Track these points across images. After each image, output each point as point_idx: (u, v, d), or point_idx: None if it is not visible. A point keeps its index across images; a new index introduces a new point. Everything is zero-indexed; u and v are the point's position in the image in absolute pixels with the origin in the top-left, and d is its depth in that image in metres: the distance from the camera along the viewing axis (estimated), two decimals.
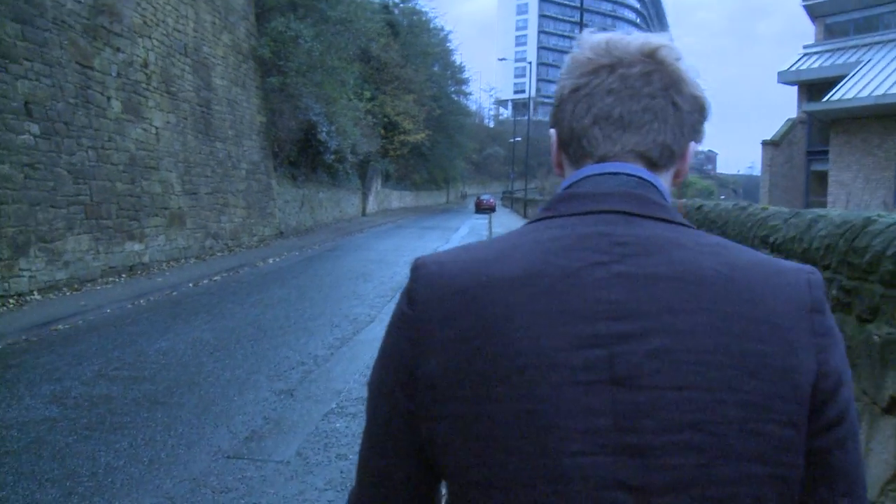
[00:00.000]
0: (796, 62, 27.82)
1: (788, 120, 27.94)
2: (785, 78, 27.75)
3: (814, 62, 27.12)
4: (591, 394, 0.86)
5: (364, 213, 43.49)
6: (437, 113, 59.82)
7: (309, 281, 15.05)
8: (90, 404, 6.44)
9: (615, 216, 0.96)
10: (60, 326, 9.96)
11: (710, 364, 0.86)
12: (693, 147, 1.08)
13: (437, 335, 0.93)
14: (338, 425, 6.02)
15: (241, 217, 21.43)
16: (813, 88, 27.29)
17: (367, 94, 40.95)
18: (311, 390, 7.05)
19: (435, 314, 0.94)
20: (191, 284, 14.05)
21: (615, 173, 1.02)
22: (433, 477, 1.01)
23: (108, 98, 14.45)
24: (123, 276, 14.29)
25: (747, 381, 0.86)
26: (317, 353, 8.62)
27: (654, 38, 1.05)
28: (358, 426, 5.93)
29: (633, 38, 1.06)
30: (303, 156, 28.21)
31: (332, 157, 29.11)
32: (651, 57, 1.03)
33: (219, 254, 19.09)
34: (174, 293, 13.08)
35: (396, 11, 59.79)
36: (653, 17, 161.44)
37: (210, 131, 19.50)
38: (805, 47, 28.55)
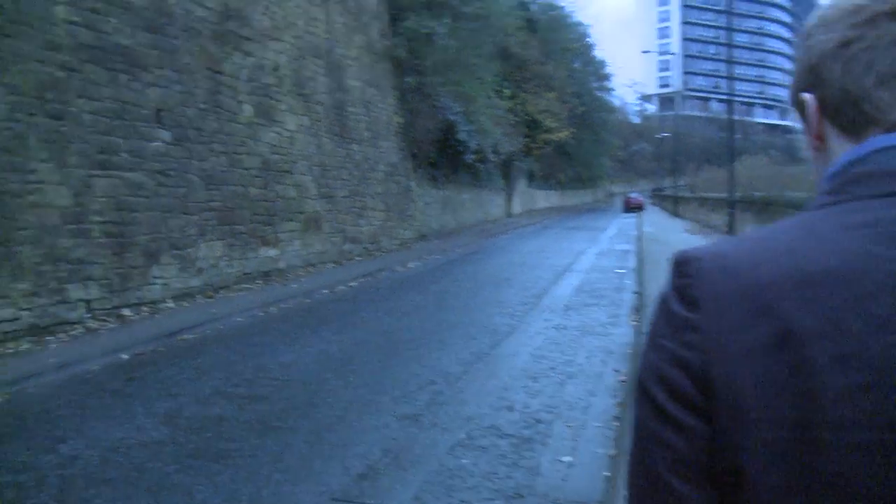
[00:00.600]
0: None
1: None
2: None
3: None
4: None
5: (509, 214, 42.75)
6: (579, 110, 58.41)
7: (447, 286, 14.34)
8: (200, 426, 5.88)
9: None
10: (188, 336, 9.62)
11: None
12: None
13: (737, 343, 0.78)
14: (464, 461, 5.10)
15: (380, 220, 21.06)
16: None
17: (508, 92, 40.22)
18: (439, 416, 6.14)
19: (730, 317, 0.79)
20: (325, 291, 13.60)
21: None
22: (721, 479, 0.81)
23: (239, 102, 14.26)
24: (258, 282, 14.03)
25: None
26: (449, 370, 7.69)
27: None
28: (486, 463, 5.05)
29: None
30: (442, 156, 27.70)
31: (473, 157, 28.49)
32: None
33: (357, 258, 18.73)
34: (307, 300, 12.64)
35: (534, 7, 58.86)
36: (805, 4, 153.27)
37: (345, 133, 19.20)
38: None
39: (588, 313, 10.89)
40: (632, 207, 57.72)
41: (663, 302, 0.87)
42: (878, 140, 0.84)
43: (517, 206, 45.90)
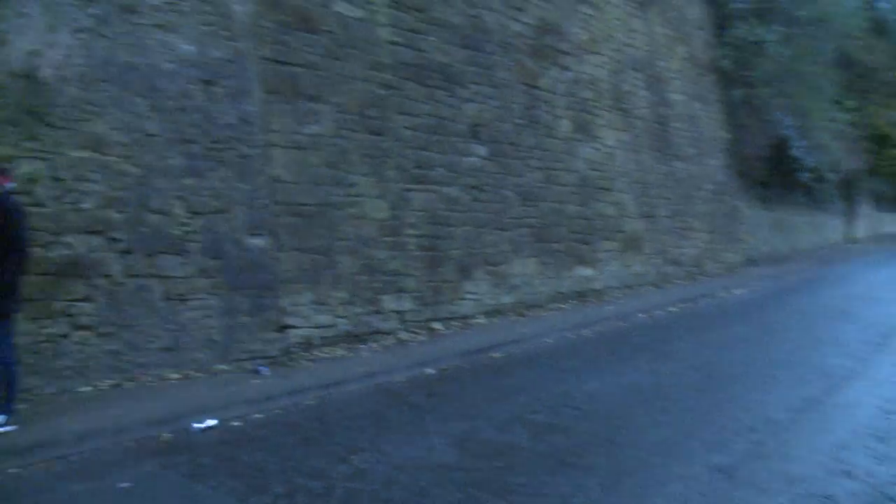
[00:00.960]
0: None
1: None
2: None
3: None
4: None
5: (849, 239, 38.76)
6: None
7: (775, 318, 12.78)
8: (492, 453, 5.41)
9: None
10: (496, 354, 9.26)
11: None
12: None
13: None
14: None
15: (705, 242, 19.68)
16: None
17: (850, 104, 36.62)
18: (757, 471, 5.07)
19: None
20: (642, 315, 12.71)
21: None
22: None
23: (556, 118, 13.87)
24: (572, 302, 13.45)
25: None
26: (774, 416, 6.46)
27: None
28: None
29: None
30: (774, 175, 25.53)
31: (809, 175, 25.98)
32: None
33: (677, 282, 17.56)
34: (622, 324, 11.83)
35: (884, 5, 53.44)
36: None
37: (667, 149, 18.17)
38: None
39: None
40: None
41: None
42: None
43: (860, 231, 41.52)
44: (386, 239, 9.94)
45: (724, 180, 21.52)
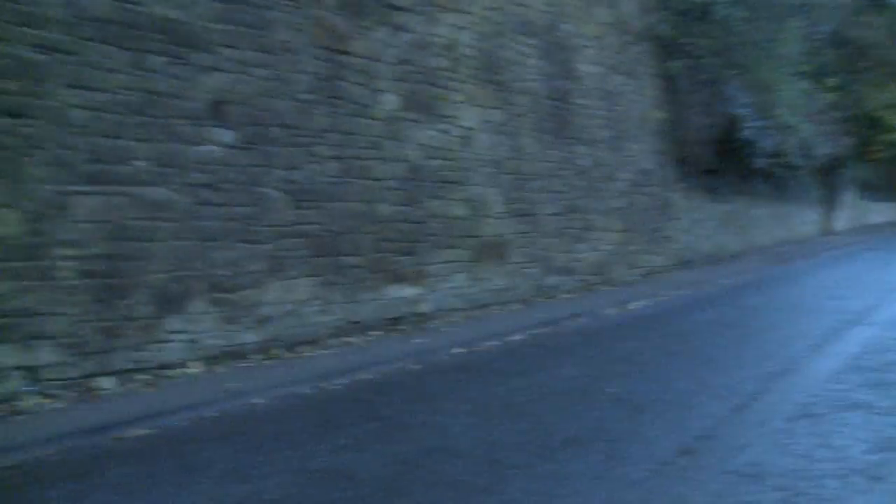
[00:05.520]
0: None
1: None
2: None
3: None
4: None
5: (827, 231, 35.45)
6: None
7: (644, 348, 9.78)
8: None
9: None
10: (138, 431, 6.22)
11: None
12: None
13: None
14: None
15: (615, 243, 16.53)
16: None
17: (832, 82, 33.15)
18: None
19: None
20: (457, 350, 9.68)
21: None
22: None
23: (376, 91, 10.74)
24: (375, 332, 10.40)
25: None
26: None
27: None
28: None
29: None
30: (725, 161, 22.23)
31: (767, 161, 22.70)
32: None
33: (566, 294, 14.47)
34: (412, 367, 8.83)
35: None
36: None
37: (565, 132, 14.97)
38: None
39: (837, 433, 5.94)
40: None
41: None
42: None
43: (840, 222, 38.13)
44: (13, 264, 6.89)
45: (652, 168, 18.32)
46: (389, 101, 10.95)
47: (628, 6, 17.72)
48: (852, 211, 41.21)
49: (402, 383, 8.14)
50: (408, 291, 11.06)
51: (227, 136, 8.76)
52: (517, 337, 10.67)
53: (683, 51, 19.09)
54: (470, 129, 12.45)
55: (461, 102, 12.32)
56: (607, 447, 5.66)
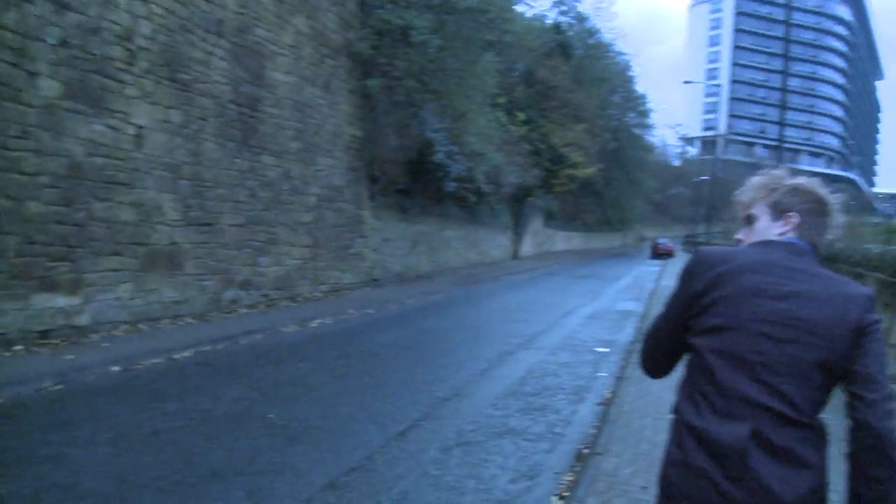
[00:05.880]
0: None
1: None
2: None
3: None
4: (763, 300, 2.08)
5: (516, 256, 37.55)
6: (612, 146, 53.35)
7: (336, 365, 9.57)
8: None
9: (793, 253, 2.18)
10: None
11: (817, 302, 2.08)
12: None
13: (709, 273, 2.17)
14: None
15: (303, 258, 16.09)
16: None
17: (522, 116, 35.27)
18: None
19: (708, 263, 2.20)
20: (119, 368, 8.68)
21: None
22: (685, 334, 2.23)
23: (33, 75, 9.44)
24: (18, 347, 9.08)
25: (830, 311, 2.06)
26: None
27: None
28: None
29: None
30: (416, 182, 22.63)
31: (456, 185, 23.39)
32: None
33: (245, 310, 13.76)
34: (59, 387, 7.70)
35: (570, 33, 53.96)
36: (861, 42, 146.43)
37: (253, 141, 14.31)
38: None
39: (488, 462, 5.82)
40: (660, 254, 52.62)
41: (685, 266, 2.29)
42: (792, 238, 2.26)
43: (529, 247, 40.69)
44: None
45: (344, 185, 18.12)
46: (48, 87, 9.66)
47: (328, 19, 17.44)
48: (539, 237, 44.07)
49: (37, 407, 7.05)
50: (61, 301, 9.78)
51: None
52: (185, 354, 9.84)
53: (382, 70, 19.12)
54: (143, 127, 11.40)
55: (135, 98, 11.25)
56: (251, 482, 5.12)
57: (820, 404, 2.07)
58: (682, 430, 2.14)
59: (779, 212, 2.30)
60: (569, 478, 5.55)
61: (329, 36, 17.49)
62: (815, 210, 2.28)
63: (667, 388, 8.51)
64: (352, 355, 10.44)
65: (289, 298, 15.36)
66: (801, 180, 2.32)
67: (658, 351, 2.41)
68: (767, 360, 2.03)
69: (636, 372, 9.35)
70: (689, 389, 2.20)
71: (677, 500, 2.09)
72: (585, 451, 6.20)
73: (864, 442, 1.97)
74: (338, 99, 17.89)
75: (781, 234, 2.28)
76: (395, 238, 21.68)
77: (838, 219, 2.32)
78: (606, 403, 7.91)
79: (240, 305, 13.67)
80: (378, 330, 12.84)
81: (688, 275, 2.24)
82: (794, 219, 2.27)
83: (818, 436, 2.06)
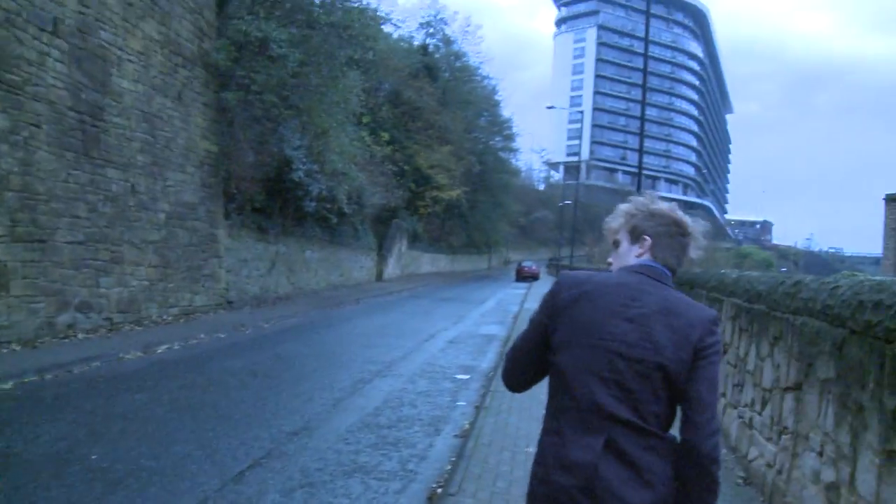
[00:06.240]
0: None
1: None
2: None
3: None
4: (617, 321, 2.21)
5: (380, 278, 36.99)
6: (477, 168, 53.70)
7: (178, 396, 8.70)
8: None
9: (647, 277, 2.33)
10: None
11: (664, 324, 2.20)
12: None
13: (564, 299, 2.31)
14: None
15: (150, 279, 15.02)
16: None
17: (386, 136, 34.87)
18: None
19: (566, 291, 2.32)
20: None
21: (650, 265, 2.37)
22: (545, 351, 2.35)
23: None
24: None
25: (675, 334, 2.18)
26: None
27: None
28: None
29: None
30: (274, 201, 21.77)
31: (315, 204, 22.66)
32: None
33: (84, 335, 12.62)
34: None
35: (437, 55, 54.20)
36: (712, 78, 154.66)
37: (96, 151, 13.23)
38: None
39: None
40: (525, 276, 53.33)
41: (548, 293, 2.39)
42: (647, 261, 2.38)
43: (393, 269, 40.20)
44: None
45: (197, 202, 17.13)
46: None
47: (182, 26, 16.48)
48: (404, 259, 43.66)
49: None
50: None
51: None
52: (3, 387, 8.76)
53: (239, 83, 18.28)
54: None
55: None
56: None
57: (669, 418, 2.24)
58: (543, 445, 2.28)
59: (635, 236, 2.44)
60: None
61: (182, 44, 16.54)
62: (671, 232, 2.42)
63: (525, 420, 8.22)
64: (196, 385, 9.60)
65: (134, 322, 14.26)
66: (658, 205, 2.46)
67: (519, 367, 2.49)
68: (620, 378, 2.17)
69: (496, 401, 8.98)
70: (551, 406, 2.33)
71: None
72: (440, 489, 5.68)
73: (689, 459, 2.18)
74: (191, 111, 16.92)
75: (639, 255, 2.42)
76: (253, 259, 20.73)
77: (698, 241, 2.46)
78: (464, 436, 7.45)
79: (77, 330, 12.52)
80: (228, 356, 12.00)
81: (550, 296, 2.37)
82: (647, 242, 2.41)
83: (668, 448, 2.19)
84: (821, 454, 4.29)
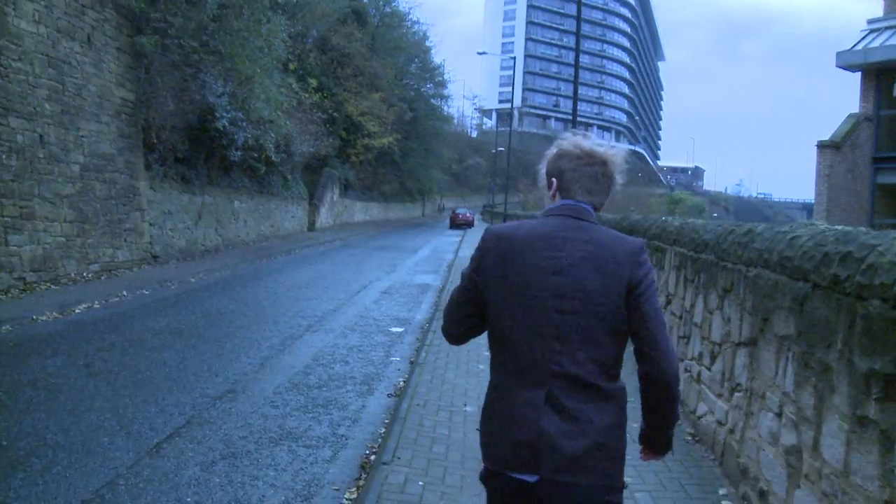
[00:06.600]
0: (860, 41, 20.86)
1: (851, 116, 20.80)
2: (846, 61, 20.77)
3: (887, 39, 20.17)
4: (546, 275, 2.19)
5: (312, 228, 36.26)
6: (409, 116, 52.88)
7: (93, 360, 8.12)
8: None
9: (569, 218, 2.30)
10: None
11: (591, 269, 2.18)
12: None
13: (492, 254, 2.29)
14: None
15: (66, 235, 14.21)
16: (884, 74, 20.38)
17: (315, 83, 33.89)
18: None
19: (492, 245, 2.30)
20: None
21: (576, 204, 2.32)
22: (481, 308, 2.34)
23: None
24: None
25: (604, 276, 2.17)
26: None
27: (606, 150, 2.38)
28: None
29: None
30: (198, 151, 20.90)
31: (241, 153, 21.86)
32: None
33: None
34: None
35: (366, 0, 52.85)
36: (643, 24, 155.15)
37: None
38: (870, 22, 21.58)
39: (257, 479, 4.89)
40: (459, 224, 53.16)
41: (475, 251, 2.38)
42: (567, 201, 2.35)
43: (326, 219, 39.47)
44: None
45: (115, 153, 16.25)
46: None
47: None
48: (336, 209, 42.91)
49: None
50: None
51: None
52: None
53: (155, 27, 17.32)
54: None
55: None
56: None
57: (614, 365, 2.25)
58: (490, 400, 2.33)
59: (549, 179, 2.44)
60: (351, 496, 4.64)
61: None
62: (583, 166, 2.37)
63: (463, 376, 7.93)
64: (115, 346, 9.03)
65: (51, 281, 13.50)
66: (564, 142, 2.43)
67: (456, 322, 2.48)
68: (559, 332, 2.17)
69: (431, 356, 8.63)
70: (493, 361, 2.35)
71: (490, 462, 2.26)
72: (373, 456, 5.30)
73: (652, 387, 2.25)
74: (104, 57, 15.93)
75: (552, 198, 2.42)
76: (178, 211, 19.91)
77: (618, 165, 2.41)
78: (398, 395, 7.10)
79: None
80: (151, 314, 11.40)
81: (478, 253, 2.36)
82: (554, 184, 2.41)
83: (607, 397, 2.20)
84: (779, 415, 4.00)
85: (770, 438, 4.12)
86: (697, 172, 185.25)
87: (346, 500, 4.67)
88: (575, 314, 2.16)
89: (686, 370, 6.34)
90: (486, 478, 2.30)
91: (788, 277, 3.91)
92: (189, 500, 4.56)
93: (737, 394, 4.84)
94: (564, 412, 2.14)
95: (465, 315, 2.42)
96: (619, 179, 2.42)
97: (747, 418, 4.58)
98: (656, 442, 2.40)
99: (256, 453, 5.41)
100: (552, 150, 2.46)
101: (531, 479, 2.15)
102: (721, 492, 4.74)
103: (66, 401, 6.58)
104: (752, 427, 4.48)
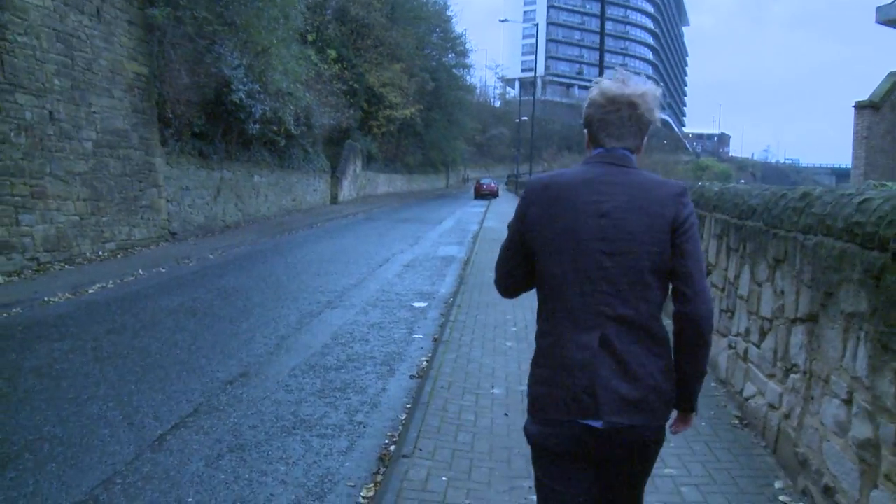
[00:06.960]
0: None
1: (891, 74, 19.93)
2: (887, 15, 19.94)
3: None
4: (591, 219, 2.21)
5: (335, 201, 35.85)
6: (431, 86, 52.12)
7: (102, 344, 7.74)
8: None
9: (607, 164, 2.31)
10: None
11: (636, 212, 2.20)
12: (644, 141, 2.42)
13: (536, 204, 2.31)
14: None
15: (79, 213, 13.88)
16: None
17: (334, 54, 33.32)
18: None
19: (537, 195, 2.32)
20: None
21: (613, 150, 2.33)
22: (529, 259, 2.37)
23: None
24: None
25: (649, 218, 2.19)
26: None
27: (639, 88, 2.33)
28: None
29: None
30: (216, 125, 20.48)
31: (259, 127, 21.43)
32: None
33: (3, 279, 11.54)
34: None
35: None
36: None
37: (1, 75, 11.94)
38: None
39: (265, 475, 4.51)
40: (483, 194, 52.69)
41: (519, 202, 2.39)
42: (600, 149, 2.37)
43: (349, 192, 39.03)
44: None
45: (129, 128, 15.86)
46: None
47: None
48: (359, 181, 42.47)
49: None
50: None
51: None
52: None
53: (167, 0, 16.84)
54: None
55: None
56: None
57: (660, 305, 2.28)
58: (542, 347, 2.33)
59: (584, 128, 2.47)
60: (367, 493, 4.22)
61: None
62: (605, 114, 2.37)
63: (489, 354, 7.52)
64: (126, 328, 8.67)
65: (65, 261, 13.19)
66: (594, 89, 2.42)
67: (506, 275, 2.52)
68: (606, 274, 2.21)
69: (456, 333, 8.20)
70: (543, 310, 2.36)
71: (541, 413, 2.26)
72: (392, 447, 4.88)
73: (685, 326, 2.27)
74: (114, 30, 15.50)
75: (588, 147, 2.47)
76: (196, 186, 19.54)
77: (649, 103, 2.37)
78: (421, 376, 6.66)
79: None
80: (166, 293, 11.04)
81: (522, 204, 2.39)
82: (587, 132, 2.45)
83: (661, 338, 2.26)
84: (848, 402, 3.50)
85: (836, 428, 3.63)
86: (723, 139, 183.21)
87: (363, 497, 4.26)
88: (622, 256, 2.20)
89: (731, 346, 5.84)
90: (537, 432, 2.29)
91: (859, 246, 3.40)
92: (190, 500, 4.16)
93: (793, 375, 4.35)
94: (618, 355, 2.17)
95: (513, 266, 2.46)
96: (653, 117, 2.39)
97: (806, 403, 4.09)
98: (683, 398, 2.35)
99: (266, 445, 5.00)
100: (583, 103, 2.46)
101: (596, 423, 2.16)
102: (777, 485, 4.25)
103: (69, 388, 6.23)
104: (812, 413, 3.99)
